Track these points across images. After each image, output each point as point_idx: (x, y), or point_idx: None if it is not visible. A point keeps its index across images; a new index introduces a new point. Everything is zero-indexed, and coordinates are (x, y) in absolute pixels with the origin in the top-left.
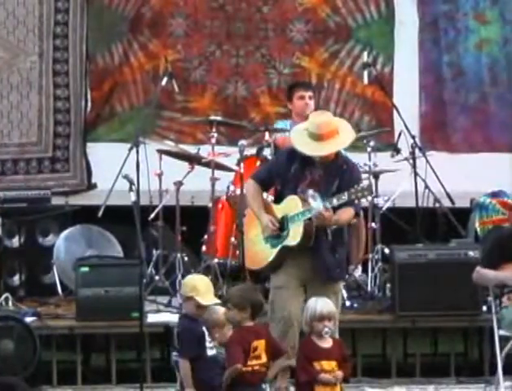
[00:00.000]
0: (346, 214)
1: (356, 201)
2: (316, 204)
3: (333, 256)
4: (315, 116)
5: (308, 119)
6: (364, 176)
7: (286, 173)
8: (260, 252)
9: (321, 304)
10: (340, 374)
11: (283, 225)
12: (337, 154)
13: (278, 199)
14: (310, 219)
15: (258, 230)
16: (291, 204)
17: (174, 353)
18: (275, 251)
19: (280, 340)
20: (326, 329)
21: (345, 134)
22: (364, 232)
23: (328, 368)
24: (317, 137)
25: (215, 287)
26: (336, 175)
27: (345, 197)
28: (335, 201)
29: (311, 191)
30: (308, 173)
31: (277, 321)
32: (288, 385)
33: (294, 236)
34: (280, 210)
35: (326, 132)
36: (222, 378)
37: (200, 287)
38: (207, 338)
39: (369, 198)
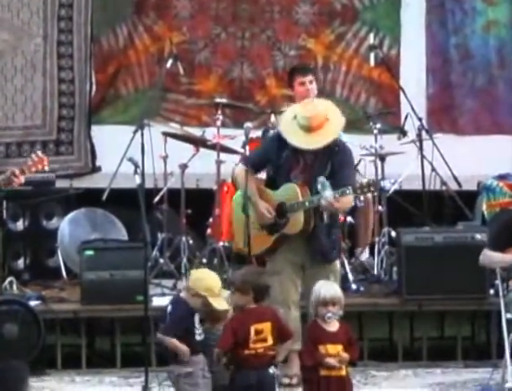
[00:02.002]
0: (347, 203)
1: (360, 196)
2: (327, 193)
3: (329, 237)
4: (303, 106)
5: (297, 107)
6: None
7: (278, 159)
8: (255, 237)
9: (326, 288)
10: (345, 357)
11: (280, 212)
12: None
13: (270, 184)
14: (311, 208)
15: (251, 213)
16: (289, 192)
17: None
18: (272, 238)
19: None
20: (329, 314)
21: (334, 123)
22: (372, 216)
23: (334, 352)
24: (307, 128)
25: (221, 270)
26: (328, 158)
27: (349, 191)
28: (339, 194)
29: (321, 179)
30: (300, 159)
31: (275, 305)
32: (299, 373)
33: (294, 225)
34: (277, 197)
35: (316, 124)
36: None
37: (215, 289)
38: (196, 324)
39: (375, 193)
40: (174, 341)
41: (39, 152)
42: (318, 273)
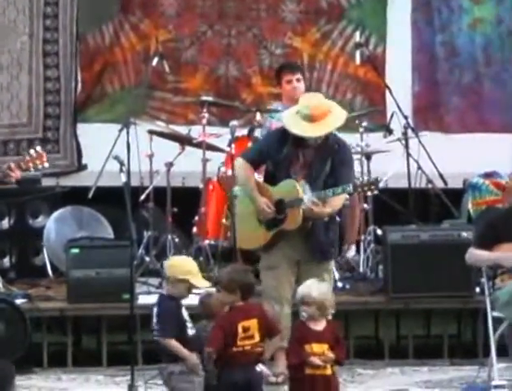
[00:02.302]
0: (338, 203)
1: (361, 194)
2: (306, 197)
3: (327, 235)
4: (305, 98)
5: (299, 101)
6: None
7: (278, 154)
8: (254, 232)
9: (301, 288)
10: (331, 357)
11: (279, 208)
12: (329, 134)
13: (269, 179)
14: None
15: (248, 210)
16: (289, 188)
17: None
18: (270, 233)
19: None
20: (303, 313)
21: (337, 114)
22: (358, 213)
23: (319, 351)
24: (309, 118)
25: (206, 268)
26: (328, 155)
27: (350, 188)
28: (340, 190)
29: (302, 182)
30: (300, 155)
31: (268, 301)
32: (286, 371)
33: (293, 221)
34: (276, 192)
35: (318, 113)
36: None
37: (193, 270)
38: (186, 318)
39: (375, 192)
40: (184, 351)
41: (38, 148)
42: (313, 271)
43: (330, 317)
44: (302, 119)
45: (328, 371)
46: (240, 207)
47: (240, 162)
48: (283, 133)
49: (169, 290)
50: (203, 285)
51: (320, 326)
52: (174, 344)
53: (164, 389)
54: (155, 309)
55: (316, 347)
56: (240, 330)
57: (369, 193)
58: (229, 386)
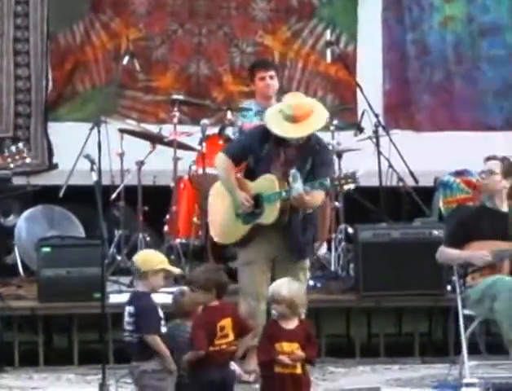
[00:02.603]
0: (318, 198)
1: (339, 188)
2: (297, 185)
3: (304, 234)
4: (289, 97)
5: (282, 100)
6: None
7: (259, 151)
8: (230, 227)
9: (273, 286)
10: (300, 356)
11: (257, 202)
12: (310, 135)
13: (249, 175)
14: (287, 199)
15: (226, 204)
16: (267, 183)
17: (128, 334)
18: (247, 227)
19: (248, 316)
20: (273, 311)
21: (319, 115)
22: (329, 211)
23: (288, 350)
24: (292, 118)
25: (178, 267)
26: (309, 155)
27: (327, 183)
28: (317, 185)
29: (293, 171)
30: (282, 152)
31: (245, 297)
32: (256, 368)
33: (269, 215)
34: (254, 187)
35: (301, 114)
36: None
37: (164, 259)
38: (161, 314)
39: (353, 186)
40: (165, 349)
41: (20, 144)
42: (289, 270)
43: (303, 316)
44: (284, 119)
45: (298, 370)
46: (217, 201)
47: (221, 157)
48: (265, 130)
49: (146, 285)
50: (177, 271)
51: (291, 325)
52: (159, 341)
53: (133, 388)
54: (132, 307)
55: (286, 346)
56: (217, 329)
57: (346, 187)
58: (206, 385)
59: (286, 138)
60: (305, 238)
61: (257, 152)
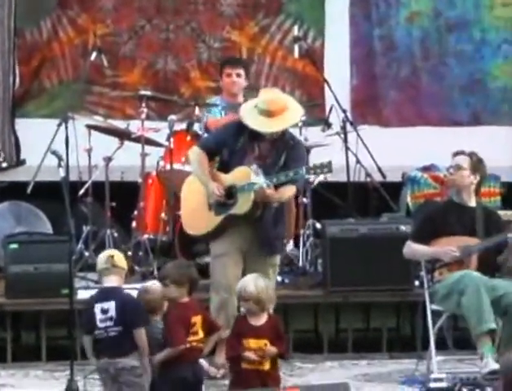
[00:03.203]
0: (289, 192)
1: (314, 177)
2: (258, 179)
3: (275, 229)
4: (264, 93)
5: (258, 95)
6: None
7: (234, 144)
8: (202, 218)
9: (240, 282)
10: (271, 351)
11: (230, 193)
12: (285, 130)
13: (223, 168)
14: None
15: (200, 196)
16: (241, 175)
17: (102, 330)
18: (219, 218)
19: (219, 309)
20: (241, 308)
21: (293, 111)
22: (293, 207)
23: (255, 346)
24: (267, 113)
25: (146, 263)
26: (283, 150)
27: (302, 172)
28: (292, 174)
29: (254, 167)
30: (256, 147)
31: (217, 289)
32: (225, 362)
33: (242, 205)
34: (228, 179)
35: (276, 109)
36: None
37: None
38: None
39: (328, 175)
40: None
41: None
42: (258, 265)
43: (271, 311)
44: (259, 113)
45: (266, 367)
46: (190, 194)
47: (195, 150)
48: (240, 124)
49: (116, 281)
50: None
51: (259, 321)
52: (145, 335)
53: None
54: (111, 303)
55: (253, 342)
56: (189, 326)
57: (322, 176)
58: (178, 382)
59: (261, 133)
60: (276, 233)
61: (231, 146)
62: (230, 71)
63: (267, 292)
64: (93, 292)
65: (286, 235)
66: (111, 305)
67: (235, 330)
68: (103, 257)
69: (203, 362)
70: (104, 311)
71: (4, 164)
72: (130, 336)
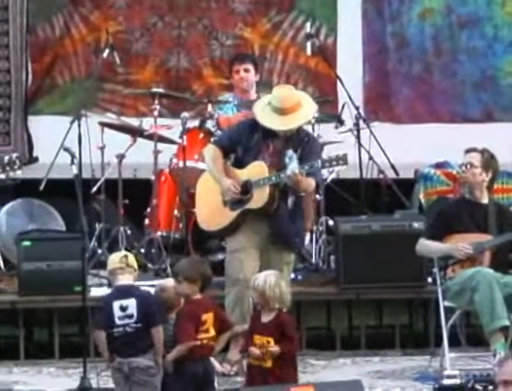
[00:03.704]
0: (310, 184)
1: (329, 168)
2: (293, 165)
3: (292, 224)
4: (278, 89)
5: (272, 93)
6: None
7: (248, 142)
8: (217, 214)
9: (256, 275)
10: (270, 350)
11: (245, 188)
12: (298, 127)
13: (237, 166)
14: (275, 185)
15: (214, 193)
16: (256, 170)
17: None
18: (234, 213)
19: (234, 304)
20: (250, 298)
21: (307, 108)
22: (311, 203)
23: (258, 342)
24: (280, 111)
25: (159, 260)
26: (297, 146)
27: (318, 165)
28: (307, 168)
29: (290, 152)
30: (270, 144)
31: (233, 284)
32: (239, 359)
33: (258, 200)
34: (243, 174)
35: (289, 106)
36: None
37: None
38: None
39: (343, 167)
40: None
41: (14, 155)
42: (272, 261)
43: (285, 309)
44: (272, 111)
45: (268, 364)
46: (204, 190)
47: (209, 147)
48: (254, 122)
49: (130, 280)
50: None
51: (267, 318)
52: (162, 334)
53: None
54: (131, 300)
55: (258, 338)
56: (200, 323)
57: (338, 168)
58: (190, 378)
59: (274, 130)
60: (293, 227)
61: (245, 143)
62: (238, 67)
63: (273, 290)
64: (105, 289)
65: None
66: (131, 303)
67: (249, 326)
68: (116, 257)
69: (214, 361)
70: (123, 308)
71: (19, 172)
72: (148, 334)
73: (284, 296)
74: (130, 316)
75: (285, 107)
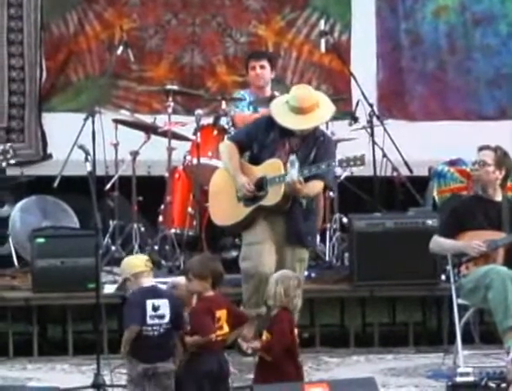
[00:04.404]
0: (316, 187)
1: (347, 169)
2: (293, 171)
3: (306, 222)
4: (296, 89)
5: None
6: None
7: (264, 139)
8: (231, 209)
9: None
10: (253, 345)
11: (260, 185)
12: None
13: (253, 163)
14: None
15: (229, 188)
16: (272, 167)
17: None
18: (248, 209)
19: (252, 294)
20: (268, 303)
21: (324, 109)
22: (322, 200)
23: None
24: (298, 110)
25: (172, 257)
26: (313, 146)
27: (335, 164)
28: (306, 172)
29: (292, 157)
30: (286, 142)
31: (250, 276)
32: (254, 334)
33: (272, 197)
34: (259, 171)
35: (307, 106)
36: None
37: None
38: None
39: (361, 168)
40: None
41: (7, 145)
42: (285, 259)
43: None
44: (290, 110)
45: (268, 358)
46: (218, 185)
47: (225, 142)
48: (270, 119)
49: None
50: None
51: (272, 314)
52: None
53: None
54: (164, 300)
55: (264, 333)
56: (215, 320)
57: (355, 168)
58: (204, 373)
59: (290, 129)
60: (306, 225)
61: (262, 140)
62: (254, 63)
63: (279, 293)
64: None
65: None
66: (163, 303)
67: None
68: (138, 260)
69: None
70: (155, 308)
71: (12, 161)
72: (173, 336)
73: (300, 292)
74: (161, 316)
75: (303, 106)
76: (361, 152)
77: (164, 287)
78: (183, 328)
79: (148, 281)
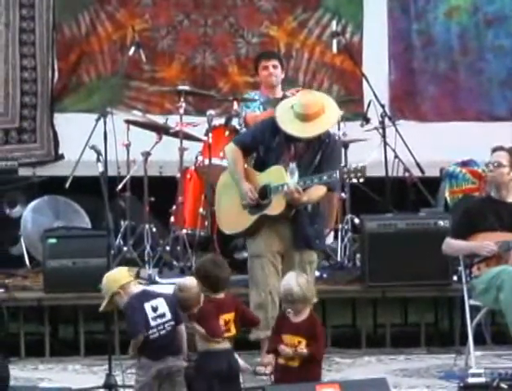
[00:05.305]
0: (318, 192)
1: (347, 181)
2: (291, 181)
3: (312, 226)
4: (302, 95)
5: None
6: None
7: (270, 142)
8: (237, 216)
9: (284, 287)
10: (300, 351)
11: (264, 193)
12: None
13: (259, 165)
14: None
15: (233, 195)
16: (276, 174)
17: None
18: (253, 218)
19: (257, 309)
20: (288, 310)
21: (330, 114)
22: (336, 200)
23: (290, 342)
24: (303, 117)
25: (184, 258)
26: (319, 149)
27: (336, 175)
28: (325, 177)
29: (292, 166)
30: (292, 146)
31: (255, 289)
32: (271, 360)
33: (276, 207)
34: (262, 178)
35: (312, 112)
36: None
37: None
38: None
39: (361, 180)
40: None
41: None
42: (295, 262)
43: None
44: (295, 117)
45: (295, 364)
46: (224, 191)
47: (230, 147)
48: (276, 123)
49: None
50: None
51: (298, 318)
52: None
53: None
54: (160, 300)
55: (289, 338)
56: (222, 322)
57: (355, 180)
58: (213, 374)
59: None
60: (313, 229)
61: (267, 143)
62: (266, 63)
63: (309, 287)
64: None
65: (327, 225)
66: (160, 302)
67: (275, 326)
68: (121, 273)
69: (238, 358)
70: (154, 309)
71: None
72: (178, 331)
73: (314, 290)
74: (162, 315)
75: (308, 113)
76: (363, 163)
77: (168, 289)
78: (181, 323)
79: (137, 288)
